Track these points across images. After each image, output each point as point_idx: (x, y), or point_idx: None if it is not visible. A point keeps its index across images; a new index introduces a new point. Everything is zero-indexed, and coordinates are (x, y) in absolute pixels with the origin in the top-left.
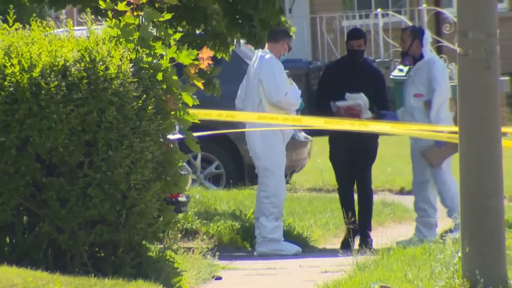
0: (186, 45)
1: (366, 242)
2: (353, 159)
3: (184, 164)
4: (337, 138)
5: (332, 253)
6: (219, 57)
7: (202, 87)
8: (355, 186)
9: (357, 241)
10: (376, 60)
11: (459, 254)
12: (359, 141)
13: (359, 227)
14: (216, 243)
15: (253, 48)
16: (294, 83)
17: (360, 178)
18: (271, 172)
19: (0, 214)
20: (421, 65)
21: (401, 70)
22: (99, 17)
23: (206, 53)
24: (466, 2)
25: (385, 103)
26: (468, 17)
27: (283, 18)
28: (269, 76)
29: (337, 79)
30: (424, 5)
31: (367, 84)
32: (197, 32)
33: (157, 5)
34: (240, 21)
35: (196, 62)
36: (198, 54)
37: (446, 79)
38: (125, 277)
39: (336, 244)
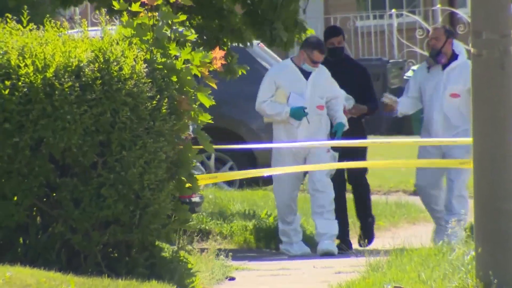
0: (201, 48)
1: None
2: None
3: (198, 164)
4: None
5: (346, 253)
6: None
7: (215, 87)
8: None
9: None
10: (390, 61)
11: (472, 254)
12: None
13: (360, 224)
14: (230, 244)
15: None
16: (301, 97)
17: (354, 182)
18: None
19: (14, 214)
20: (459, 64)
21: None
22: (114, 17)
23: (219, 53)
24: (480, 3)
25: (373, 98)
26: (482, 17)
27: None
28: (261, 82)
29: None
30: (438, 6)
31: (352, 81)
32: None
33: (172, 1)
34: (260, 26)
35: (207, 61)
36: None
37: None
38: (139, 278)
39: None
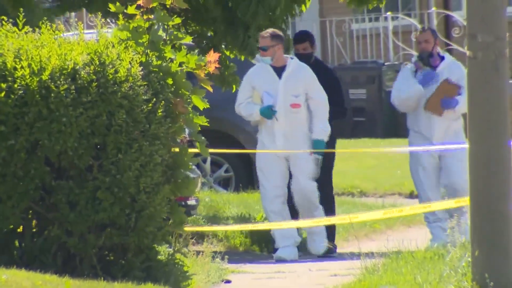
0: (197, 50)
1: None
2: None
3: (194, 167)
4: None
5: (341, 256)
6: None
7: (211, 90)
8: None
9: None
10: (386, 64)
11: (468, 257)
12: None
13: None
14: (225, 247)
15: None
16: (271, 96)
17: (319, 183)
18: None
19: (9, 217)
20: (447, 65)
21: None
22: (110, 20)
23: (213, 56)
24: (476, 6)
25: (341, 101)
26: (477, 20)
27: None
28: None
29: None
30: (433, 8)
31: (321, 84)
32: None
33: (168, 5)
34: (235, 29)
35: (202, 64)
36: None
37: None
38: (135, 281)
39: (346, 247)
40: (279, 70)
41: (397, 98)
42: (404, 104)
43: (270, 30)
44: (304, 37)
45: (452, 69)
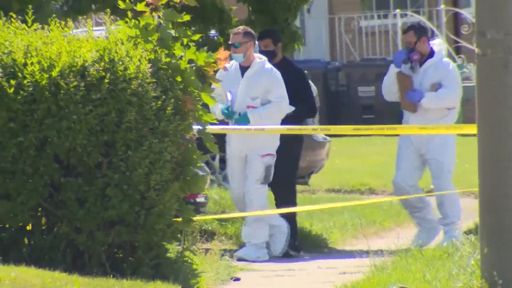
0: (206, 47)
1: (293, 247)
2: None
3: (203, 164)
4: None
5: (350, 254)
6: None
7: (220, 87)
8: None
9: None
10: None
11: (477, 255)
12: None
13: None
14: (234, 244)
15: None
16: (229, 94)
17: (280, 181)
18: None
19: (18, 214)
20: (433, 63)
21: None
22: (118, 17)
23: (223, 53)
24: (485, 2)
25: (309, 99)
26: (487, 17)
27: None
28: None
29: None
30: (442, 6)
31: (287, 82)
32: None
33: (177, 4)
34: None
35: (211, 61)
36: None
37: (459, 80)
38: (144, 278)
39: (355, 245)
40: (244, 70)
41: (382, 87)
42: (386, 91)
43: (241, 27)
44: (266, 34)
45: (438, 66)
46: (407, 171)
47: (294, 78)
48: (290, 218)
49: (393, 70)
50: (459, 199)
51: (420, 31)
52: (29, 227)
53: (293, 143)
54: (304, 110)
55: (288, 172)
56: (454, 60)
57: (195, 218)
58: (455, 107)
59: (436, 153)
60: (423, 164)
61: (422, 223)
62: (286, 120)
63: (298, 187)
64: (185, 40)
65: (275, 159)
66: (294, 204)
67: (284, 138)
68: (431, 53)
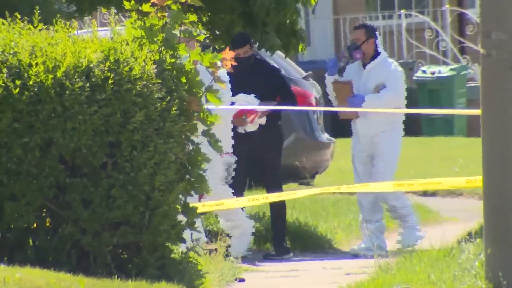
0: (210, 48)
1: (281, 251)
2: (255, 160)
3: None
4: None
5: (355, 255)
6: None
7: (225, 88)
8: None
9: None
10: (399, 61)
11: (482, 256)
12: (260, 141)
13: (273, 234)
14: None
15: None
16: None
17: (266, 181)
18: None
19: (23, 215)
20: (377, 64)
21: (424, 72)
22: (124, 17)
23: (229, 53)
24: (490, 3)
25: (289, 95)
26: (492, 17)
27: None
28: None
29: (233, 82)
30: (447, 6)
31: (264, 82)
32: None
33: (180, 5)
34: (253, 27)
35: (216, 61)
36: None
37: (403, 81)
38: (149, 279)
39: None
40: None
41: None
42: (332, 100)
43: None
44: (242, 41)
45: (380, 67)
46: (365, 177)
47: (271, 76)
48: (280, 220)
49: (329, 80)
50: (403, 193)
51: (371, 32)
52: (34, 227)
53: (274, 139)
54: (286, 105)
55: (274, 169)
56: (459, 61)
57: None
58: (401, 106)
59: (380, 149)
60: None
61: (403, 223)
62: (268, 115)
63: (302, 188)
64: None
65: (234, 158)
66: (281, 202)
67: (264, 134)
68: (376, 55)
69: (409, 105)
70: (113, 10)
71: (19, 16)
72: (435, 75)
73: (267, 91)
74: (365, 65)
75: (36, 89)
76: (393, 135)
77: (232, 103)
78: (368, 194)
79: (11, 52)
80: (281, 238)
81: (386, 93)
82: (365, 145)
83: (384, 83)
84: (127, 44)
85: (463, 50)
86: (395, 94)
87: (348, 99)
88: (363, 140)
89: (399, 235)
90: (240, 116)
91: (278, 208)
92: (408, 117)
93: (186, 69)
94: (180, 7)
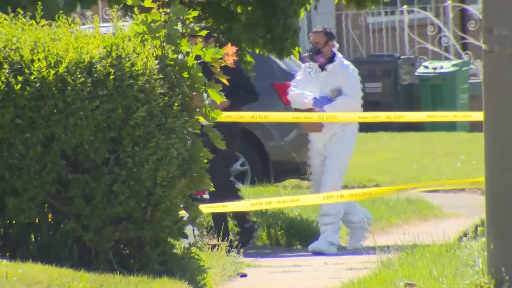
0: (213, 43)
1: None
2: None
3: None
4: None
5: (357, 250)
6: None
7: (227, 83)
8: None
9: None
10: (402, 57)
11: (483, 251)
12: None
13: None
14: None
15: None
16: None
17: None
18: None
19: (25, 211)
20: (334, 66)
21: (426, 67)
22: (127, 14)
23: (231, 49)
24: None
25: (250, 87)
26: (494, 13)
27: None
28: None
29: None
30: (449, 2)
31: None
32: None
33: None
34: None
35: (219, 58)
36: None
37: (359, 84)
38: (151, 274)
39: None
40: None
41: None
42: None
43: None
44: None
45: (337, 70)
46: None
47: (231, 72)
48: (222, 216)
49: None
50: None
51: (330, 35)
52: (36, 223)
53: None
54: (247, 97)
55: (218, 161)
56: (461, 57)
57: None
58: (357, 110)
59: (332, 150)
60: None
61: (349, 225)
62: (227, 109)
63: (304, 184)
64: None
65: None
66: (227, 190)
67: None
68: (332, 58)
69: (411, 101)
70: (115, 6)
71: (21, 11)
72: (437, 70)
73: (231, 84)
74: (322, 68)
75: (38, 84)
76: (346, 136)
77: None
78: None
79: (13, 47)
80: (243, 219)
81: (344, 100)
82: (320, 149)
83: (341, 87)
84: (129, 39)
85: (465, 46)
86: (352, 99)
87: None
88: (318, 145)
89: (348, 234)
90: None
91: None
92: (418, 111)
93: (188, 64)
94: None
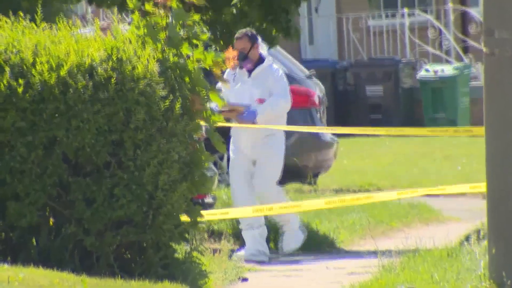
0: (213, 47)
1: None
2: None
3: (210, 164)
4: None
5: (358, 254)
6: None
7: (229, 88)
8: None
9: None
10: (402, 60)
11: (485, 256)
12: None
13: None
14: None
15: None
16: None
17: None
18: None
19: (27, 214)
20: (262, 69)
21: (427, 71)
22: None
23: (232, 52)
24: (493, 1)
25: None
26: (494, 16)
27: None
28: None
29: None
30: (450, 4)
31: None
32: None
33: (182, 4)
34: (275, 15)
35: (219, 61)
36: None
37: (288, 87)
38: (152, 278)
39: (363, 245)
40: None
41: None
42: None
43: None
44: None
45: (266, 72)
46: (243, 179)
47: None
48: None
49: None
50: (284, 197)
51: (253, 38)
52: (37, 226)
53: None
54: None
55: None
56: (462, 60)
57: (202, 219)
58: (287, 110)
59: (263, 155)
60: None
61: (284, 227)
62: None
63: (305, 187)
64: (194, 40)
65: None
66: None
67: None
68: (260, 60)
69: (412, 104)
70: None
71: (22, 14)
72: (438, 74)
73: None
74: (249, 71)
75: (39, 87)
76: (274, 141)
77: None
78: (248, 200)
79: (14, 51)
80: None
81: (277, 100)
82: (246, 151)
83: (270, 89)
84: (130, 42)
85: (466, 49)
86: (284, 100)
87: (239, 116)
88: (244, 148)
89: (281, 239)
90: None
91: None
92: (411, 116)
93: (189, 68)
94: (181, 6)
